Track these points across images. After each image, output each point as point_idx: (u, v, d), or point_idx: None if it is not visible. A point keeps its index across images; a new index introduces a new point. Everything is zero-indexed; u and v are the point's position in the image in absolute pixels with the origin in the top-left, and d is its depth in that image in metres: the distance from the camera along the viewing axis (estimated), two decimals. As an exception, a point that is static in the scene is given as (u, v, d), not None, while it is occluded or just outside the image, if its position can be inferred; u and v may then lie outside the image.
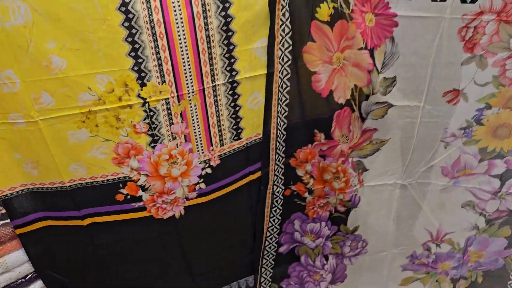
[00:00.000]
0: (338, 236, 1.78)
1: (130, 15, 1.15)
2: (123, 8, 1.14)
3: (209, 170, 1.49)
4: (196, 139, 1.42)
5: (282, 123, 1.50)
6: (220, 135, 1.46)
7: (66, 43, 1.14)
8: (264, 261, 1.80)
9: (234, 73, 1.36)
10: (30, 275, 1.71)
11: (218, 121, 1.43)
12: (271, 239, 1.74)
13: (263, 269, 1.82)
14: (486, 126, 1.50)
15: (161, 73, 1.26)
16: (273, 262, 1.80)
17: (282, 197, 1.65)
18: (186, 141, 1.40)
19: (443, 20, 1.32)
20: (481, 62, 1.38)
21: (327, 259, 1.82)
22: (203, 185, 1.50)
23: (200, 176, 1.48)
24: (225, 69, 1.35)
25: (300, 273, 1.84)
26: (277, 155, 1.56)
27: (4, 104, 1.22)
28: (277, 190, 1.63)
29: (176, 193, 1.47)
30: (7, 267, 1.64)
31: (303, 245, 1.78)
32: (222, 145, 1.47)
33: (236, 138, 1.49)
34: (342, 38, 1.39)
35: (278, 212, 1.68)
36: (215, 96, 1.38)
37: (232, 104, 1.42)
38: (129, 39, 1.18)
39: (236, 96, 1.41)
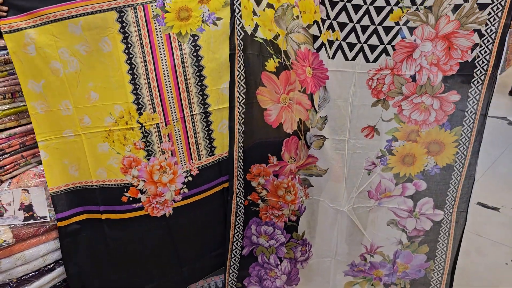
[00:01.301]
0: (291, 243, 2.13)
1: (133, 66, 1.70)
2: (128, 61, 1.69)
3: (190, 178, 1.92)
4: (179, 154, 1.87)
5: (241, 147, 1.91)
6: (198, 152, 1.91)
7: (98, 83, 1.69)
8: (231, 263, 2.13)
9: (206, 106, 1.85)
10: (42, 269, 1.98)
11: (196, 141, 1.90)
12: (237, 244, 2.10)
13: (230, 271, 2.15)
14: (396, 156, 1.92)
15: (153, 105, 1.76)
16: (238, 265, 2.14)
17: (243, 207, 2.03)
18: (172, 155, 1.87)
19: (354, 74, 1.79)
20: (384, 104, 1.83)
21: (281, 260, 2.15)
22: (186, 190, 1.93)
23: (183, 183, 1.91)
24: (199, 103, 1.83)
25: (259, 271, 2.18)
26: (238, 172, 1.96)
27: (62, 123, 1.77)
28: (239, 201, 2.01)
29: (166, 196, 1.91)
30: (25, 260, 1.92)
31: (259, 246, 2.12)
32: (200, 159, 1.92)
33: (210, 154, 1.95)
34: (287, 84, 1.83)
35: (241, 220, 2.05)
36: (193, 122, 1.85)
37: (206, 129, 1.88)
38: (132, 82, 1.72)
39: (209, 123, 1.87)
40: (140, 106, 1.75)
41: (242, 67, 1.78)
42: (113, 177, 1.84)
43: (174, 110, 1.80)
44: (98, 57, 1.68)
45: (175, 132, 1.84)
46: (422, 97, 1.80)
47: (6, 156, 2.11)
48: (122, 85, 1.72)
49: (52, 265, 2.06)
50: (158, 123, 1.79)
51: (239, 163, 1.94)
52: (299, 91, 1.83)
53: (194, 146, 1.91)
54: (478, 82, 1.75)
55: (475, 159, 1.86)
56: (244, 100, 1.83)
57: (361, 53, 1.77)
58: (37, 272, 2.02)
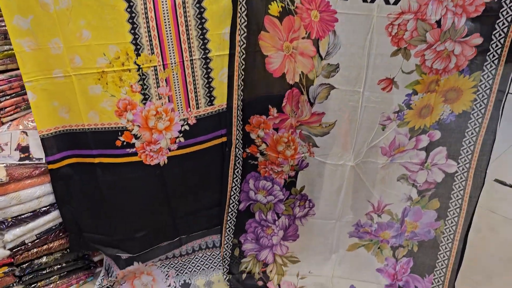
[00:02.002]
0: (290, 199, 2.02)
1: (131, 3, 1.56)
2: None
3: (187, 127, 1.81)
4: (177, 100, 1.78)
5: (240, 95, 1.76)
6: (197, 100, 1.80)
7: (92, 21, 1.57)
8: (228, 218, 2.03)
9: (207, 51, 1.72)
10: (37, 210, 2.02)
11: (195, 88, 1.78)
12: (234, 197, 1.99)
13: (227, 225, 2.05)
14: (414, 110, 1.73)
15: (151, 47, 1.64)
16: (235, 220, 2.05)
17: (242, 159, 1.90)
18: (169, 101, 1.76)
19: (373, 18, 1.57)
20: (405, 54, 1.62)
21: (278, 216, 2.05)
22: (182, 139, 1.83)
23: (180, 131, 1.81)
24: (199, 47, 1.69)
25: (256, 228, 2.08)
26: (237, 122, 1.81)
27: (52, 62, 1.66)
28: (238, 152, 1.88)
29: (161, 144, 1.82)
30: (20, 200, 1.94)
31: (257, 202, 2.01)
32: (198, 107, 1.81)
33: (209, 104, 1.82)
34: (290, 31, 1.64)
35: (239, 172, 1.93)
36: (192, 68, 1.74)
37: (206, 76, 1.77)
38: (130, 21, 1.58)
39: (209, 70, 1.75)
40: (138, 47, 1.64)
41: (243, 9, 1.62)
42: (106, 121, 1.75)
43: (173, 53, 1.69)
44: None
45: (173, 77, 1.74)
46: (445, 44, 1.60)
47: (7, 98, 2.09)
48: (119, 23, 1.60)
49: (48, 207, 2.05)
50: (156, 66, 1.69)
51: (238, 112, 1.80)
52: (303, 37, 1.65)
53: (192, 94, 1.80)
54: (503, 23, 1.55)
55: (498, 112, 1.68)
56: (244, 45, 1.68)
57: (380, -7, 1.52)
58: (32, 213, 2.01)
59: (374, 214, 2.01)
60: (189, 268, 2.17)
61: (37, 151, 2.04)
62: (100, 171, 1.84)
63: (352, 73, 1.69)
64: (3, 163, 1.91)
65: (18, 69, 1.78)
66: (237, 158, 1.91)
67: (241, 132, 1.85)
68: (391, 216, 1.99)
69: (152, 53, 1.66)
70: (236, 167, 1.93)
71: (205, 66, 1.75)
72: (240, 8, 1.61)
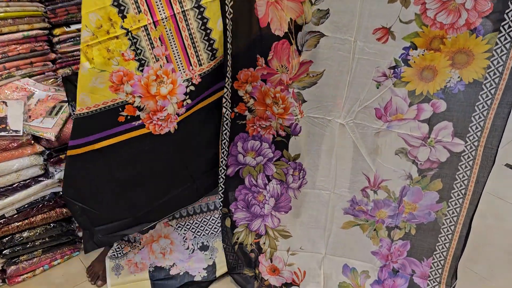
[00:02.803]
0: (282, 162, 1.60)
1: None
2: None
3: (192, 88, 1.42)
4: (176, 59, 1.37)
5: (229, 48, 1.39)
6: (198, 56, 1.40)
7: None
8: (218, 186, 1.66)
9: None
10: (16, 184, 1.68)
11: (193, 43, 1.37)
12: (222, 162, 1.60)
13: (219, 195, 1.68)
14: (413, 68, 1.33)
15: (136, 4, 1.25)
16: (223, 186, 1.64)
17: (228, 118, 1.51)
18: (167, 62, 1.36)
19: None
20: (404, 1, 1.22)
21: (269, 180, 1.63)
22: (189, 101, 1.44)
23: (185, 94, 1.42)
24: None
25: (246, 195, 1.67)
26: (226, 79, 1.44)
27: None
28: (226, 112, 1.50)
29: (168, 110, 1.41)
30: None
31: (246, 166, 1.61)
32: (200, 65, 1.41)
33: (212, 58, 1.43)
34: None
35: (227, 135, 1.54)
36: (186, 20, 1.34)
37: (203, 28, 1.37)
38: None
39: (205, 20, 1.35)
40: (122, 8, 1.23)
41: None
42: (100, 100, 1.32)
43: (162, 7, 1.29)
44: None
45: (167, 34, 1.33)
46: None
47: None
48: None
49: (28, 181, 1.73)
50: (146, 25, 1.28)
51: (227, 67, 1.42)
52: None
53: (191, 49, 1.38)
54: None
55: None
56: None
57: None
58: (10, 187, 1.69)
59: (370, 190, 1.58)
60: (206, 230, 1.82)
61: (14, 123, 1.69)
62: (105, 157, 1.43)
63: (343, 19, 1.30)
64: None
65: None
66: (224, 119, 1.52)
67: (230, 91, 1.46)
68: (388, 193, 1.57)
69: (139, 11, 1.26)
70: (224, 129, 1.54)
71: (199, 17, 1.35)
72: None
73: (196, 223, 1.81)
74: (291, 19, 1.32)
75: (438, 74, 1.31)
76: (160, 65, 1.35)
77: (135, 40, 1.28)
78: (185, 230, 1.81)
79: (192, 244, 1.83)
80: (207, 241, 1.85)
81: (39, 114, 1.73)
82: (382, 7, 1.24)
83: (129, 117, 1.37)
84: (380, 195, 1.56)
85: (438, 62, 1.29)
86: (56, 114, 1.75)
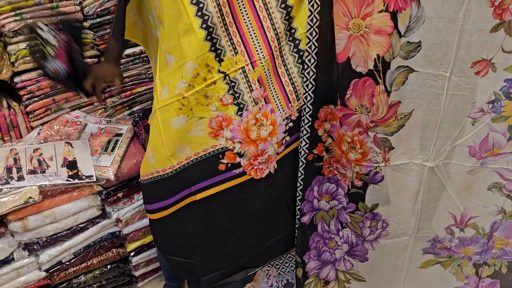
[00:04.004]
0: (357, 215, 1.48)
1: (201, 5, 1.12)
2: (194, 1, 1.12)
3: (291, 124, 1.36)
4: (274, 99, 1.30)
5: (310, 86, 1.29)
6: (296, 92, 1.33)
7: (170, 41, 1.17)
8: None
9: (293, 31, 1.25)
10: (73, 228, 1.64)
11: (290, 79, 1.31)
12: (298, 208, 1.50)
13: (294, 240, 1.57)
14: None
15: (233, 46, 1.20)
16: (297, 231, 1.53)
17: (304, 161, 1.40)
18: (266, 103, 1.29)
19: None
20: (509, 28, 1.10)
21: (343, 226, 1.52)
22: (287, 138, 1.37)
23: (285, 132, 1.35)
24: (286, 30, 1.24)
25: (318, 243, 1.56)
26: (306, 120, 1.34)
27: None
28: (304, 155, 1.39)
29: (269, 152, 1.34)
30: (55, 218, 1.57)
31: (320, 211, 1.50)
32: (298, 99, 1.34)
33: None
34: (363, 4, 1.15)
35: (300, 177, 1.43)
36: (281, 56, 1.27)
37: (299, 61, 1.29)
38: (204, 26, 1.14)
39: (301, 53, 1.28)
40: (219, 52, 1.18)
41: None
42: (200, 148, 1.28)
43: (260, 46, 1.22)
44: (164, 9, 1.15)
45: (265, 74, 1.26)
46: None
47: (35, 99, 1.74)
48: (192, 34, 1.14)
49: (85, 224, 1.69)
50: (244, 67, 1.22)
51: (307, 108, 1.32)
52: (380, 11, 1.14)
53: (289, 86, 1.31)
54: None
55: None
56: (318, 22, 1.20)
57: (484, -50, 1.04)
58: (68, 231, 1.65)
59: (456, 228, 1.46)
60: (291, 266, 1.69)
61: (85, 167, 1.63)
62: (207, 207, 1.37)
63: (437, 53, 1.17)
64: (51, 183, 1.53)
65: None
66: (301, 163, 1.40)
67: (308, 130, 1.35)
68: (476, 230, 1.44)
69: (236, 53, 1.20)
70: (300, 174, 1.42)
71: (295, 50, 1.28)
72: None
73: (280, 259, 1.69)
74: (377, 55, 1.20)
75: (542, 105, 1.20)
76: (259, 108, 1.28)
77: (233, 84, 1.23)
78: (268, 266, 1.69)
79: (276, 281, 1.73)
80: (292, 278, 1.74)
81: (95, 151, 1.67)
82: (483, 37, 1.12)
83: (229, 164, 1.31)
84: (467, 233, 1.44)
85: (545, 95, 1.18)
86: (112, 150, 1.69)
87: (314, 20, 1.20)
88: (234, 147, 1.29)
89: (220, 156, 1.29)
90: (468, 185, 1.36)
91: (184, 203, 1.35)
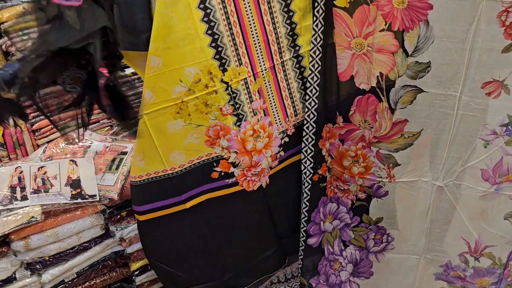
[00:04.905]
0: (361, 228, 1.45)
1: (208, 10, 1.10)
2: (201, 6, 1.09)
3: (286, 139, 1.36)
4: (273, 112, 1.31)
5: (313, 104, 1.27)
6: (294, 106, 1.34)
7: (160, 44, 1.09)
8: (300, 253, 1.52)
9: (297, 48, 1.26)
10: (76, 247, 1.63)
11: (290, 93, 1.32)
12: (303, 230, 1.46)
13: (299, 261, 1.53)
14: None
15: (238, 57, 1.19)
16: (302, 253, 1.50)
17: (310, 181, 1.37)
18: (265, 115, 1.29)
19: (481, 3, 1.03)
20: None
21: (346, 245, 1.48)
22: (282, 153, 1.37)
23: (280, 146, 1.36)
24: (289, 45, 1.25)
25: (326, 267, 1.52)
26: (310, 138, 1.32)
27: None
28: (309, 175, 1.37)
29: (262, 165, 1.34)
30: (58, 237, 1.56)
31: (325, 233, 1.47)
32: (296, 115, 1.35)
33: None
34: (364, 24, 1.14)
35: (306, 197, 1.40)
36: (284, 71, 1.28)
37: (300, 77, 1.31)
38: (209, 32, 1.12)
39: (302, 69, 1.30)
40: (224, 61, 1.17)
41: None
42: (195, 156, 1.26)
43: (262, 58, 1.23)
44: (158, 9, 1.09)
45: (266, 86, 1.26)
46: None
47: (41, 117, 1.72)
48: (195, 38, 1.12)
49: (88, 243, 1.68)
50: (246, 78, 1.22)
51: (309, 125, 1.31)
52: (382, 30, 1.13)
53: (288, 100, 1.32)
54: None
55: None
56: (321, 42, 1.19)
57: (493, -30, 1.01)
58: (71, 251, 1.64)
59: (470, 256, 1.40)
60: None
61: (89, 186, 1.62)
62: (196, 215, 1.35)
63: (447, 73, 1.13)
64: (54, 203, 1.53)
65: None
66: (306, 184, 1.38)
67: (312, 149, 1.34)
68: (492, 260, 1.38)
69: (240, 63, 1.19)
70: (305, 195, 1.41)
71: (297, 66, 1.29)
72: None
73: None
74: (381, 73, 1.18)
75: (562, 129, 1.14)
76: (258, 119, 1.28)
77: (234, 95, 1.22)
78: None
79: None
80: None
81: (99, 169, 1.66)
82: (495, 58, 1.07)
83: (223, 173, 1.30)
84: (483, 263, 1.37)
85: (562, 118, 1.12)
86: (116, 169, 1.68)
87: (318, 39, 1.19)
88: (230, 156, 1.28)
89: (214, 164, 1.28)
90: (482, 211, 1.30)
91: (173, 210, 1.32)
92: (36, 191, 1.55)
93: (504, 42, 1.06)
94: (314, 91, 1.26)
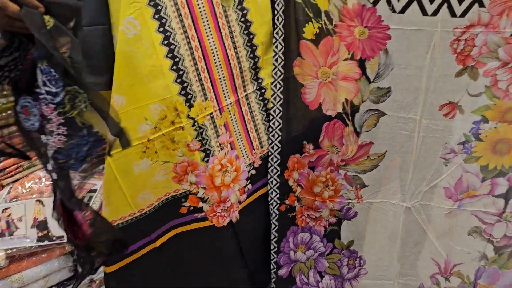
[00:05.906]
0: (334, 255, 1.48)
1: (172, 46, 1.10)
2: (165, 42, 1.09)
3: (253, 172, 1.38)
4: (239, 145, 1.32)
5: (276, 135, 1.33)
6: (259, 138, 1.36)
7: (123, 82, 1.06)
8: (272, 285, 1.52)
9: (259, 81, 1.30)
10: None
11: (255, 126, 1.34)
12: (273, 262, 1.48)
13: None
14: (485, 142, 1.25)
15: (203, 92, 1.19)
16: (274, 285, 1.50)
17: (277, 212, 1.41)
18: (232, 149, 1.30)
19: (435, 33, 1.15)
20: (472, 73, 1.18)
21: (322, 276, 1.50)
22: (250, 186, 1.38)
23: (247, 179, 1.36)
24: (252, 79, 1.29)
25: None
26: (274, 170, 1.36)
27: None
28: (276, 206, 1.40)
29: (231, 199, 1.33)
30: (23, 282, 1.51)
31: (297, 263, 1.48)
32: (262, 147, 1.37)
33: None
34: (328, 54, 1.23)
35: (274, 228, 1.42)
36: (248, 104, 1.31)
37: (263, 109, 1.34)
38: (174, 67, 1.12)
39: (265, 101, 1.34)
40: (190, 96, 1.17)
41: (280, 33, 1.22)
42: (163, 193, 1.23)
43: (227, 92, 1.25)
44: (119, 46, 1.05)
45: (231, 120, 1.28)
46: None
47: (6, 157, 1.72)
48: (160, 75, 1.11)
49: (56, 287, 1.63)
50: (212, 113, 1.22)
51: (273, 156, 1.35)
52: (345, 59, 1.22)
53: (254, 133, 1.34)
54: None
55: None
56: (282, 76, 1.26)
57: (445, 5, 1.12)
58: None
59: (441, 277, 1.45)
60: None
61: (57, 226, 1.50)
62: (165, 251, 1.30)
63: (407, 97, 1.24)
64: (17, 248, 1.49)
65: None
66: (274, 215, 1.41)
67: (277, 180, 1.37)
68: (461, 279, 1.44)
69: (206, 98, 1.20)
70: (273, 226, 1.43)
71: (261, 98, 1.33)
72: (276, 32, 1.22)
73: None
74: (346, 99, 1.27)
75: (514, 147, 1.25)
76: (225, 153, 1.28)
77: (201, 130, 1.21)
78: None
79: None
80: None
81: (67, 209, 1.63)
82: (449, 82, 1.19)
83: (191, 208, 1.28)
84: (453, 282, 1.43)
85: (513, 135, 1.24)
86: (85, 208, 1.66)
87: (278, 73, 1.27)
88: (198, 192, 1.27)
89: (183, 200, 1.26)
90: (448, 229, 1.38)
91: (144, 252, 1.26)
92: (0, 235, 1.49)
93: (456, 67, 1.18)
94: (277, 123, 1.32)
